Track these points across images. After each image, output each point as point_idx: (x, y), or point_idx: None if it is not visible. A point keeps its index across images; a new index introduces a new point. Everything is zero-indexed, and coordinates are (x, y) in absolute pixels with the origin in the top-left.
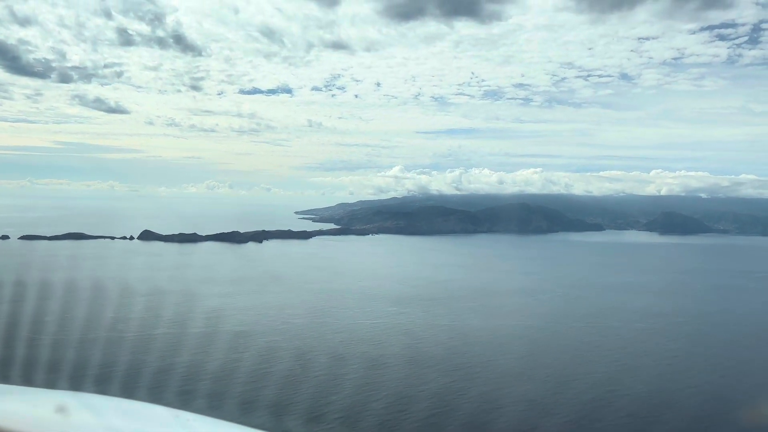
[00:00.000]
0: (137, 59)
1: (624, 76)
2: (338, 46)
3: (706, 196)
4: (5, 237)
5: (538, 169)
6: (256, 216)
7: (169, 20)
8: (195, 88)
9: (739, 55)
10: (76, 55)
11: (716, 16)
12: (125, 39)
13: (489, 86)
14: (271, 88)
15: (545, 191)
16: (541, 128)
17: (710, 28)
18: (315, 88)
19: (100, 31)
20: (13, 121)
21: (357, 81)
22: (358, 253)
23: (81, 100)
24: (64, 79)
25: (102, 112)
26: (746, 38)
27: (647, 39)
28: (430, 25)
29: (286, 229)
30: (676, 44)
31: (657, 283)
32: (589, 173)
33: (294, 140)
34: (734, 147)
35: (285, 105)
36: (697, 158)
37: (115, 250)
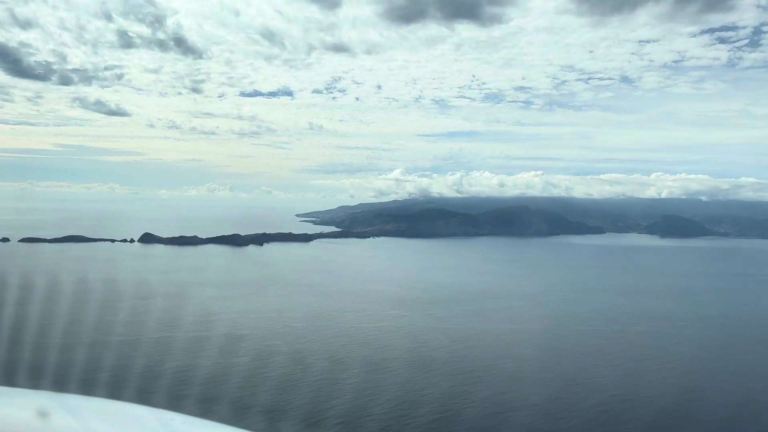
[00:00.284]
0: (138, 62)
1: (625, 79)
2: (339, 48)
3: (706, 199)
4: (5, 239)
5: (539, 172)
6: (257, 219)
7: (170, 22)
8: (195, 90)
9: (740, 58)
10: (77, 57)
11: (717, 19)
12: (126, 41)
13: (490, 89)
14: (271, 90)
15: (546, 194)
16: (542, 131)
17: (711, 31)
18: (316, 91)
19: (101, 33)
20: (14, 124)
21: (358, 84)
22: (359, 256)
23: (82, 102)
24: (65, 81)
25: (102, 115)
26: (747, 41)
27: (648, 42)
28: (431, 28)
29: (287, 231)
30: (677, 47)
31: (658, 286)
32: (589, 176)
33: (295, 143)
34: (735, 150)
35: (286, 108)
36: (698, 161)
37: (115, 253)
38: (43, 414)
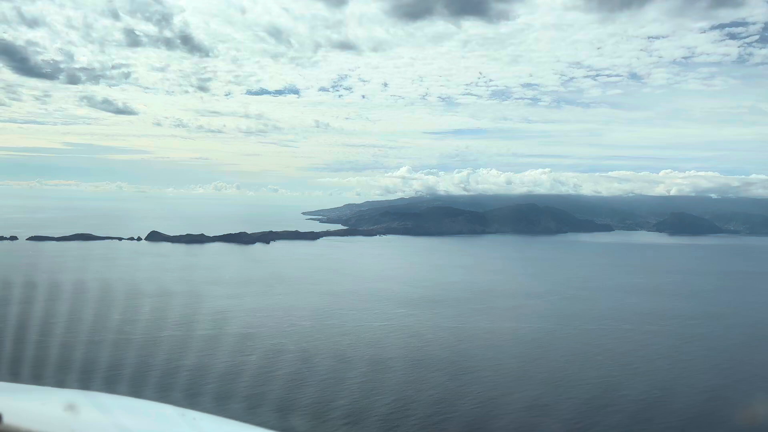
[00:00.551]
0: (145, 60)
1: (633, 76)
2: (345, 46)
3: (716, 197)
4: (14, 238)
5: (547, 170)
6: (264, 217)
7: (176, 21)
8: (202, 88)
9: (750, 54)
10: (84, 56)
11: (727, 14)
12: (133, 40)
13: (497, 86)
14: (278, 88)
15: (554, 192)
16: (550, 128)
17: (721, 26)
18: (322, 89)
19: (108, 32)
20: (22, 123)
21: (364, 81)
22: (365, 254)
23: (89, 101)
24: (73, 80)
25: (110, 113)
26: (757, 37)
27: (657, 38)
28: (438, 25)
29: (294, 229)
30: (686, 43)
31: (669, 284)
32: (597, 173)
33: (301, 141)
34: (744, 147)
35: (292, 106)
36: (707, 158)
37: (122, 251)
38: (70, 409)
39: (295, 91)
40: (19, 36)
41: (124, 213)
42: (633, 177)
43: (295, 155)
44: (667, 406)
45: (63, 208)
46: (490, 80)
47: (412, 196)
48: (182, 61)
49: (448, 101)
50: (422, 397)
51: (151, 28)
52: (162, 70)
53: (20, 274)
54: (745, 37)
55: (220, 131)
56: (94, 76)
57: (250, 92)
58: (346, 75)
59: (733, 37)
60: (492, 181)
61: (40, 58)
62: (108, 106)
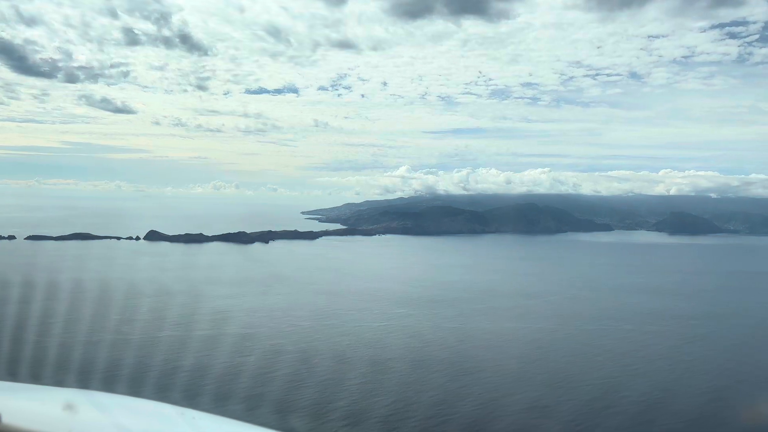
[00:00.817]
0: (143, 59)
1: (633, 75)
2: (345, 45)
3: (715, 196)
4: (12, 237)
5: (546, 169)
6: (263, 216)
7: (175, 19)
8: (201, 87)
9: (750, 54)
10: (83, 54)
11: (727, 13)
12: (131, 38)
13: (496, 85)
14: (277, 87)
15: (553, 191)
16: (549, 128)
17: (721, 26)
18: (321, 88)
19: (106, 30)
20: (21, 122)
21: (363, 80)
22: (364, 254)
23: (88, 100)
24: (71, 79)
25: (109, 112)
26: (757, 36)
27: (657, 37)
28: (438, 24)
29: (293, 229)
30: (687, 42)
31: (669, 284)
32: (597, 173)
33: (300, 140)
34: (744, 146)
35: (291, 105)
36: (707, 158)
37: (121, 250)
38: (69, 408)
39: (294, 90)
40: (17, 34)
41: (123, 212)
42: (632, 176)
43: (294, 154)
44: (668, 408)
45: (61, 207)
46: (490, 79)
47: (411, 195)
48: (181, 60)
49: (447, 100)
50: (422, 398)
51: (149, 27)
52: (161, 69)
53: (18, 274)
54: (745, 37)
55: (218, 130)
56: (93, 74)
57: (249, 91)
58: (345, 74)
59: (733, 36)
60: (491, 180)
61: (38, 56)
62: (107, 105)
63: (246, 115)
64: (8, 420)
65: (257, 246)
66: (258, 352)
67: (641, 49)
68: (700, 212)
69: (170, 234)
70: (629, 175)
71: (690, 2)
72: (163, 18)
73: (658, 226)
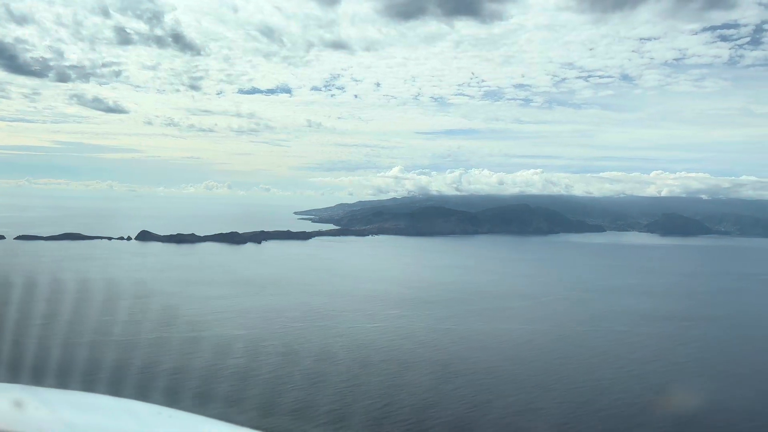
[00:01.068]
0: (135, 58)
1: (625, 77)
2: (338, 45)
3: (706, 198)
4: (1, 237)
5: (538, 170)
6: (255, 216)
7: (168, 19)
8: (194, 87)
9: (741, 56)
10: (74, 54)
11: (718, 16)
12: (123, 38)
13: (489, 87)
14: (270, 87)
15: (545, 192)
16: (541, 129)
17: (712, 28)
18: (314, 88)
19: (98, 29)
20: (11, 121)
21: (357, 81)
22: (357, 255)
23: (79, 99)
24: (62, 78)
25: (100, 112)
26: (748, 39)
27: (649, 39)
28: (431, 25)
29: (285, 229)
30: (678, 45)
31: (661, 285)
32: (589, 174)
33: (293, 140)
34: (735, 148)
35: (284, 105)
36: (698, 159)
37: (111, 250)
38: (18, 405)
39: (288, 91)
40: (7, 33)
41: (115, 212)
42: (624, 178)
43: (287, 155)
44: (660, 409)
45: (52, 207)
46: (483, 81)
47: (404, 196)
48: (173, 60)
49: (440, 101)
50: (415, 400)
51: (142, 26)
52: (153, 68)
53: (6, 274)
54: (736, 39)
55: (211, 130)
56: (84, 74)
57: (241, 91)
58: (338, 74)
59: (724, 39)
60: (484, 181)
61: (29, 55)
62: (98, 104)
63: (239, 115)
64: None
65: (250, 246)
66: (249, 354)
67: (633, 51)
68: (692, 214)
69: (162, 234)
70: (621, 177)
71: (682, 5)
72: (155, 17)
73: (650, 228)
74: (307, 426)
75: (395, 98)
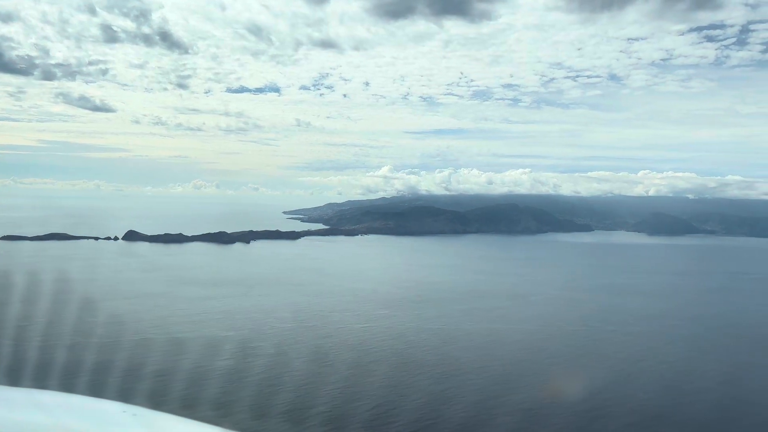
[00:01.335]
0: (122, 57)
1: (612, 77)
2: (327, 44)
3: (693, 197)
4: None
5: (527, 170)
6: (244, 216)
7: (155, 17)
8: (181, 86)
9: (727, 57)
10: (60, 52)
11: (705, 17)
12: (110, 36)
13: (478, 86)
14: (258, 86)
15: (534, 192)
16: (530, 129)
17: (699, 29)
18: (303, 87)
19: (84, 27)
20: None
21: (345, 80)
22: (347, 254)
23: (65, 98)
24: (48, 76)
25: (87, 111)
26: (734, 39)
27: (636, 40)
28: (420, 24)
29: (274, 229)
30: (665, 45)
31: (649, 284)
32: (577, 174)
33: (282, 140)
34: (721, 148)
35: (273, 104)
36: (685, 159)
37: (98, 251)
38: None
39: (276, 90)
40: None
41: (102, 212)
42: (612, 177)
43: (276, 154)
44: (652, 410)
45: (38, 207)
46: (472, 80)
47: (393, 195)
48: (161, 58)
49: (429, 101)
50: (405, 401)
51: (128, 24)
52: (140, 66)
53: None
54: (722, 40)
55: (199, 129)
56: (70, 72)
57: (230, 90)
58: (327, 74)
59: (710, 39)
60: (473, 181)
61: (14, 53)
62: (85, 103)
63: (227, 114)
64: None
65: (238, 246)
66: (237, 356)
67: (621, 51)
68: (678, 213)
69: (149, 234)
70: (608, 176)
71: (669, 5)
72: (142, 15)
73: (637, 227)
74: (296, 428)
75: (384, 98)
